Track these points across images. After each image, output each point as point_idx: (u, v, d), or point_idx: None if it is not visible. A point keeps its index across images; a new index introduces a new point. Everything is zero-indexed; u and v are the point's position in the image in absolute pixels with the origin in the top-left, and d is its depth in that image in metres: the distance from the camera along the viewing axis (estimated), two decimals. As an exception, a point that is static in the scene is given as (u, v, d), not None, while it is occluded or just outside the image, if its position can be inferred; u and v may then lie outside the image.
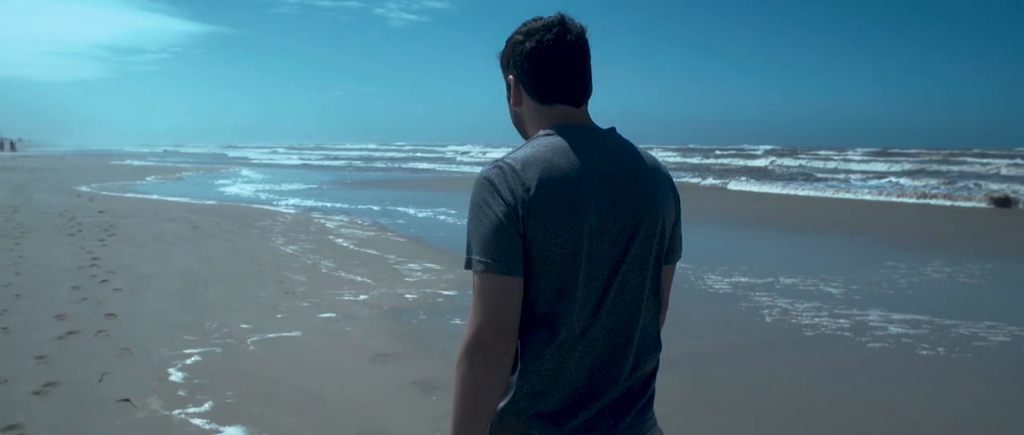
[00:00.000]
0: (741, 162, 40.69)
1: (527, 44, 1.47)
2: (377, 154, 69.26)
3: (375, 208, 16.18)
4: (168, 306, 6.44)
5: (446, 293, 7.36)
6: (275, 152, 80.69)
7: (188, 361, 4.91)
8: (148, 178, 27.76)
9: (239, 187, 23.72)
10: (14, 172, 28.58)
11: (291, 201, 18.11)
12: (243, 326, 5.82)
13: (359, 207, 16.44)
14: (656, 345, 1.55)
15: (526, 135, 1.55)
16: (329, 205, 16.87)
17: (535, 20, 1.50)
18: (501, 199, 1.36)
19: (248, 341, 5.44)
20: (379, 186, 25.23)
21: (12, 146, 70.40)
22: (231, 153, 79.74)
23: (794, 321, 6.57)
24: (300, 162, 52.76)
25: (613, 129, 1.53)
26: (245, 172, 35.01)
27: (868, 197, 20.94)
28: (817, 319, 6.62)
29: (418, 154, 66.44)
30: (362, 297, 7.11)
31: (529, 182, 1.36)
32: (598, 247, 1.40)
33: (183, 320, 5.90)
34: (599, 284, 1.42)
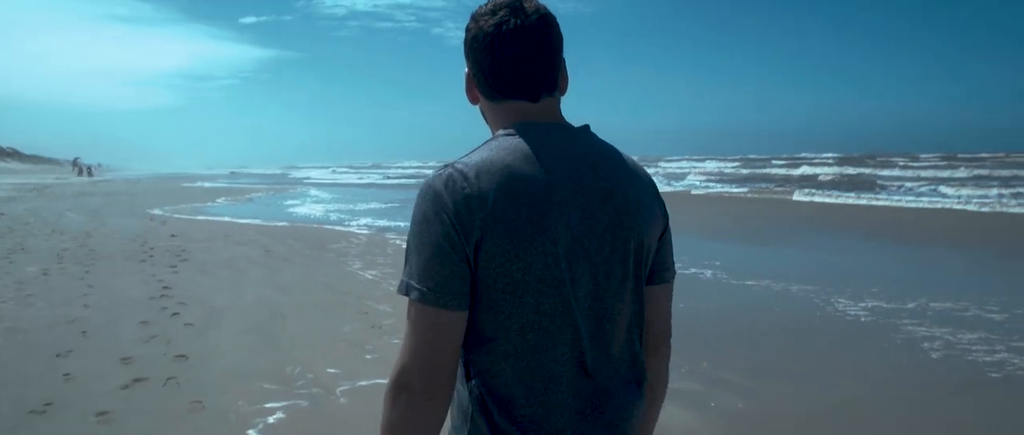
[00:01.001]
0: (810, 171, 38.63)
1: (474, 30, 1.27)
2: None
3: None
4: (244, 346, 5.73)
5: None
6: (335, 171, 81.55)
7: (270, 419, 4.15)
8: (219, 200, 27.75)
9: (308, 207, 23.39)
10: (92, 197, 28.96)
11: (363, 221, 17.56)
12: (330, 371, 5.05)
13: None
14: (642, 381, 1.33)
15: (492, 132, 1.32)
16: (403, 225, 16.22)
17: (488, 2, 1.27)
18: (446, 215, 1.14)
19: (337, 391, 4.66)
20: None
21: (89, 171, 72.39)
22: (293, 173, 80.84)
23: (969, 358, 5.51)
24: (366, 181, 52.86)
25: (586, 127, 1.31)
26: (313, 192, 34.91)
27: (970, 208, 19.25)
28: (996, 355, 5.54)
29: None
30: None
31: (485, 192, 1.14)
32: (571, 271, 1.19)
33: (261, 364, 5.17)
34: (575, 315, 1.21)
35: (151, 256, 10.79)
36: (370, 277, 9.08)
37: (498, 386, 1.21)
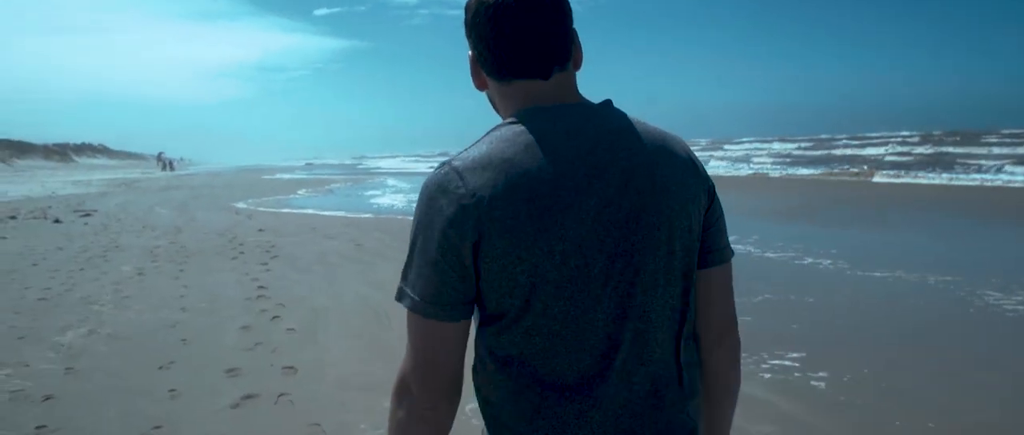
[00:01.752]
0: (875, 151, 36.00)
1: (474, 6, 1.12)
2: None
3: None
4: (353, 354, 5.27)
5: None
6: (405, 160, 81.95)
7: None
8: (300, 191, 27.91)
9: (389, 198, 23.21)
10: (177, 191, 29.55)
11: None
12: (453, 386, 4.52)
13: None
14: (693, 382, 1.19)
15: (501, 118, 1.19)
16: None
17: None
18: (444, 218, 1.04)
19: (466, 409, 4.12)
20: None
21: (171, 165, 73.74)
22: (364, 163, 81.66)
23: None
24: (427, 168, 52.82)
25: (607, 102, 1.15)
26: (391, 182, 34.91)
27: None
28: None
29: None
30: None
31: (480, 192, 1.03)
32: (588, 269, 1.06)
33: (377, 375, 4.68)
34: (600, 315, 1.07)
35: (242, 253, 10.55)
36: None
37: (514, 403, 1.12)
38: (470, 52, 1.20)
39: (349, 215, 16.76)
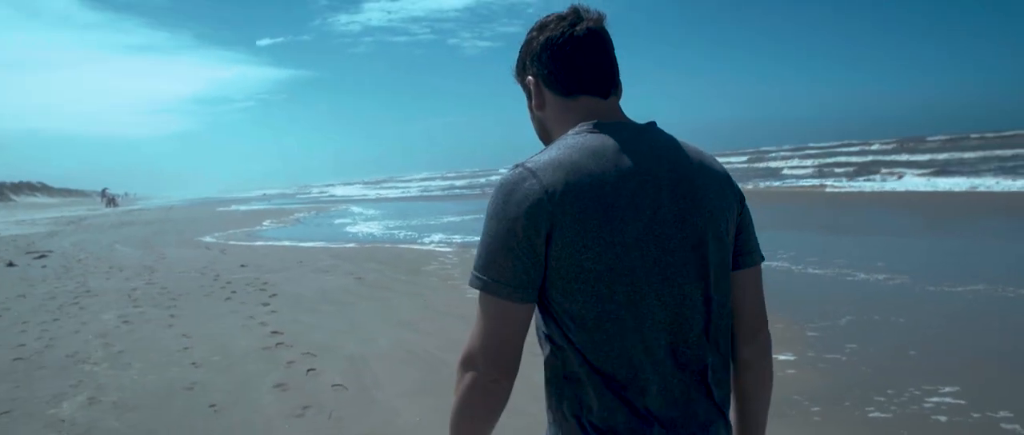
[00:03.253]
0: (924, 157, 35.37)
1: (542, 37, 1.34)
2: (464, 181, 67.93)
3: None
4: (430, 417, 4.36)
5: (796, 364, 5.06)
6: (359, 187, 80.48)
7: None
8: (264, 223, 26.56)
9: (363, 226, 22.10)
10: (132, 227, 27.90)
11: (435, 237, 16.23)
12: None
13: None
14: (725, 370, 1.36)
15: (550, 141, 1.36)
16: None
17: (551, 14, 1.37)
18: (521, 210, 1.20)
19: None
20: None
21: (114, 201, 69.87)
22: (317, 191, 79.79)
23: None
24: (403, 194, 51.72)
25: (653, 124, 1.35)
26: (355, 209, 33.71)
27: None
28: None
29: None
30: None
31: (554, 188, 1.20)
32: (643, 260, 1.23)
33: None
34: (651, 303, 1.24)
35: (234, 292, 9.50)
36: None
37: (581, 373, 1.24)
38: (530, 78, 1.38)
39: (331, 246, 15.70)
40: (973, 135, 46.08)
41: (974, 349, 5.28)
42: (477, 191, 47.50)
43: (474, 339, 1.24)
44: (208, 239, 19.49)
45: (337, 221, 25.68)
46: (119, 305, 8.84)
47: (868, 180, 25.61)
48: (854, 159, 38.22)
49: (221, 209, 44.16)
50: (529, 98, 1.41)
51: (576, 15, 1.33)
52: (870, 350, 5.30)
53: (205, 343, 6.53)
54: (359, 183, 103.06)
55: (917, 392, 4.34)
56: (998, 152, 32.22)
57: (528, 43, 1.37)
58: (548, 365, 1.31)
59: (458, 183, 65.88)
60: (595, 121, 1.29)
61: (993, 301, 6.67)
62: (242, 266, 12.44)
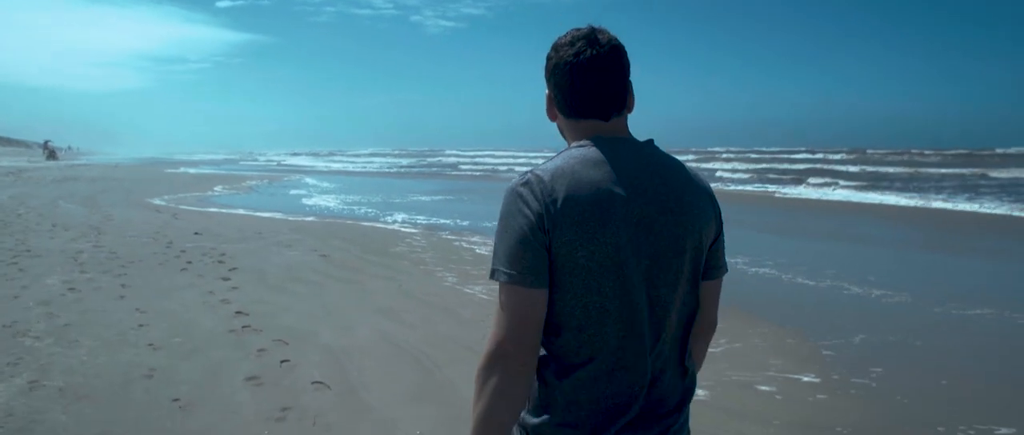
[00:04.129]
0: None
1: (553, 60, 1.46)
2: (412, 160, 67.07)
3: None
4: (425, 426, 3.85)
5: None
6: (311, 158, 78.94)
7: None
8: (216, 188, 25.52)
9: (319, 199, 21.29)
10: (77, 183, 26.54)
11: (398, 217, 15.61)
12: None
13: (483, 224, 13.87)
14: (687, 363, 1.51)
15: (567, 143, 1.52)
16: (447, 222, 14.33)
17: (566, 35, 1.46)
18: (529, 210, 1.34)
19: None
20: (467, 195, 22.70)
21: (54, 154, 66.79)
22: (267, 160, 77.86)
23: None
24: (356, 169, 50.64)
25: (651, 141, 1.49)
26: (310, 181, 32.73)
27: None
28: None
29: (463, 158, 63.97)
30: (703, 397, 4.46)
31: (557, 193, 1.34)
32: (629, 261, 1.36)
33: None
34: (630, 299, 1.38)
35: (189, 262, 8.81)
36: (482, 296, 7.22)
37: (567, 354, 1.39)
38: (546, 92, 1.52)
39: (289, 218, 14.96)
40: (915, 150, 47.08)
41: (1013, 381, 4.99)
42: (433, 170, 46.79)
43: (501, 331, 1.32)
44: (158, 202, 18.54)
45: (292, 192, 24.81)
46: (64, 269, 8.09)
47: (807, 187, 25.59)
48: (795, 167, 38.49)
49: (169, 171, 42.64)
50: (548, 105, 1.54)
51: (586, 41, 1.42)
52: (899, 377, 4.97)
53: (163, 320, 5.90)
54: (307, 154, 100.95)
55: (972, 432, 4.00)
56: (940, 170, 32.72)
57: (547, 60, 1.48)
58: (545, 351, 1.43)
59: (404, 161, 64.80)
60: (596, 136, 1.43)
61: (1007, 325, 6.43)
62: (196, 234, 11.70)
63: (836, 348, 5.64)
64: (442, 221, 14.61)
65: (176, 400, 4.09)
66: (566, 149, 1.45)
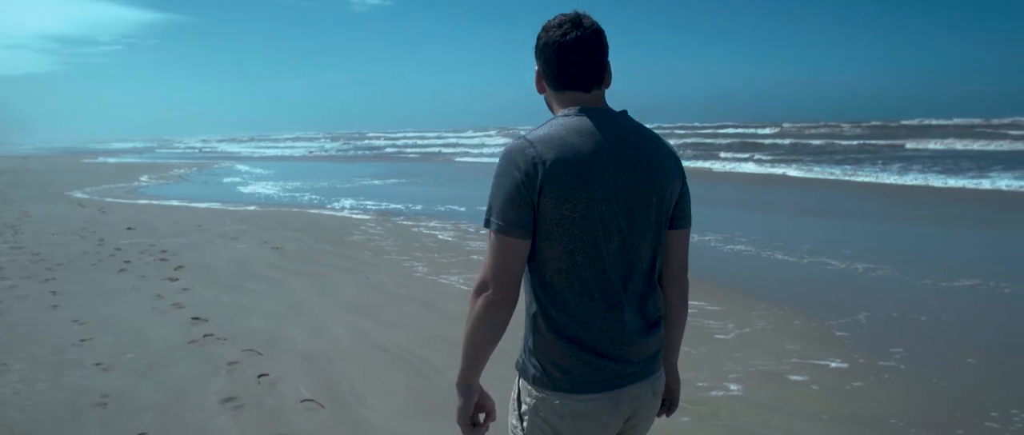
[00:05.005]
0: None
1: (543, 39, 1.67)
2: (338, 143, 65.60)
3: (453, 208, 12.99)
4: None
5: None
6: (223, 141, 76.46)
7: None
8: (143, 178, 24.06)
9: (256, 186, 20.25)
10: (-18, 176, 24.67)
11: (346, 203, 14.86)
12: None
13: (437, 208, 13.27)
14: (657, 299, 1.73)
15: (553, 112, 1.71)
16: (399, 207, 13.67)
17: (555, 18, 1.68)
18: (521, 171, 1.54)
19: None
20: (410, 178, 21.99)
21: None
22: (180, 147, 74.88)
23: None
24: (285, 153, 48.99)
25: (624, 112, 1.70)
26: (242, 167, 31.34)
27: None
28: None
29: (385, 140, 62.79)
30: (740, 393, 4.05)
31: (546, 156, 1.54)
32: (606, 214, 1.58)
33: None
34: (608, 247, 1.60)
35: (128, 262, 7.99)
36: (461, 287, 6.68)
37: (554, 293, 1.62)
38: (536, 67, 1.73)
39: (230, 208, 14.03)
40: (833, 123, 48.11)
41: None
42: (372, 153, 45.66)
43: (487, 270, 1.57)
44: (80, 195, 17.24)
45: (226, 179, 23.59)
46: (-20, 276, 7.18)
47: (725, 162, 25.70)
48: (719, 142, 38.79)
49: (87, 160, 40.31)
50: (537, 79, 1.75)
51: (572, 24, 1.64)
52: (923, 358, 4.67)
53: (107, 332, 5.17)
54: (230, 140, 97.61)
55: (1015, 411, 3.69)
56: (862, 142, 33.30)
57: (537, 40, 1.69)
58: (533, 292, 1.66)
59: (337, 145, 63.21)
60: (580, 107, 1.64)
61: (994, 296, 6.25)
62: (129, 229, 10.77)
63: (846, 328, 5.33)
64: (393, 206, 13.93)
65: (142, 434, 3.43)
66: (553, 118, 1.65)
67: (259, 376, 4.22)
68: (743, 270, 7.54)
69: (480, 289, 1.57)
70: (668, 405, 1.91)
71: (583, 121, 1.59)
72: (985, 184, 15.91)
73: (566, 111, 1.62)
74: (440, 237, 9.93)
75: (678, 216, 1.70)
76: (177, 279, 7.08)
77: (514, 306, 1.58)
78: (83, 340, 4.96)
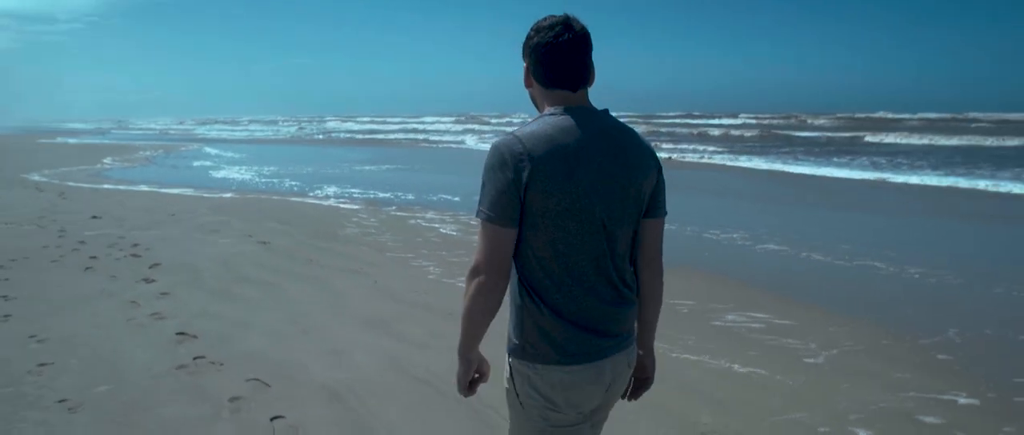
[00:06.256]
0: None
1: (534, 39, 1.75)
2: (297, 126, 64.15)
3: (446, 197, 12.08)
4: None
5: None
6: (181, 123, 74.37)
7: None
8: (106, 160, 22.70)
9: (230, 171, 19.12)
10: (-69, 156, 23.12)
11: (329, 190, 13.87)
12: None
13: (429, 197, 12.35)
14: (631, 279, 1.84)
15: (539, 109, 1.82)
16: (388, 196, 12.73)
17: (546, 19, 1.77)
18: (509, 166, 1.64)
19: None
20: (392, 164, 20.97)
21: None
22: (138, 129, 72.65)
23: None
24: (250, 136, 47.46)
25: (606, 110, 1.80)
26: (211, 150, 30.00)
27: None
28: None
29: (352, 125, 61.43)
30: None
31: (534, 152, 1.64)
32: (589, 206, 1.69)
33: None
34: (588, 235, 1.71)
35: (94, 258, 6.99)
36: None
37: (538, 280, 1.73)
38: (525, 64, 1.81)
39: (205, 195, 12.96)
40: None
41: None
42: (344, 137, 44.38)
43: (480, 256, 1.68)
44: (37, 178, 16.02)
45: (196, 163, 22.38)
46: (-81, 275, 6.14)
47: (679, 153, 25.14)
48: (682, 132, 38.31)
49: (44, 141, 38.52)
50: (525, 76, 1.83)
51: (562, 27, 1.73)
52: None
53: (72, 354, 4.21)
54: (195, 121, 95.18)
55: None
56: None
57: (528, 39, 1.78)
58: (520, 277, 1.77)
59: (290, 128, 61.73)
60: (565, 106, 1.74)
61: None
62: (94, 217, 9.72)
63: (945, 350, 4.63)
64: (381, 195, 12.98)
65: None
66: (540, 115, 1.76)
67: (272, 419, 3.33)
68: (786, 273, 6.79)
69: (474, 273, 1.69)
70: (642, 384, 2.02)
71: (568, 120, 1.70)
72: None
73: (552, 110, 1.74)
74: (442, 231, 9.05)
75: (653, 206, 1.83)
76: (154, 280, 6.12)
77: (506, 287, 1.72)
78: (42, 365, 4.00)
